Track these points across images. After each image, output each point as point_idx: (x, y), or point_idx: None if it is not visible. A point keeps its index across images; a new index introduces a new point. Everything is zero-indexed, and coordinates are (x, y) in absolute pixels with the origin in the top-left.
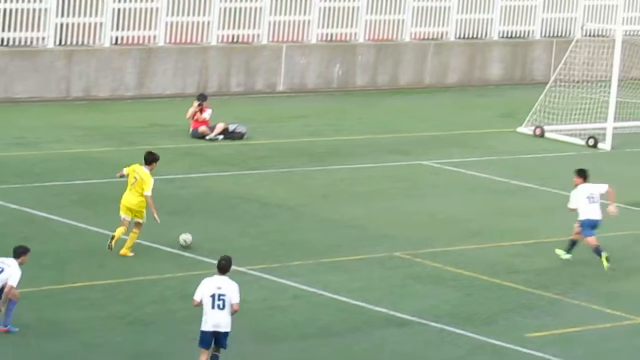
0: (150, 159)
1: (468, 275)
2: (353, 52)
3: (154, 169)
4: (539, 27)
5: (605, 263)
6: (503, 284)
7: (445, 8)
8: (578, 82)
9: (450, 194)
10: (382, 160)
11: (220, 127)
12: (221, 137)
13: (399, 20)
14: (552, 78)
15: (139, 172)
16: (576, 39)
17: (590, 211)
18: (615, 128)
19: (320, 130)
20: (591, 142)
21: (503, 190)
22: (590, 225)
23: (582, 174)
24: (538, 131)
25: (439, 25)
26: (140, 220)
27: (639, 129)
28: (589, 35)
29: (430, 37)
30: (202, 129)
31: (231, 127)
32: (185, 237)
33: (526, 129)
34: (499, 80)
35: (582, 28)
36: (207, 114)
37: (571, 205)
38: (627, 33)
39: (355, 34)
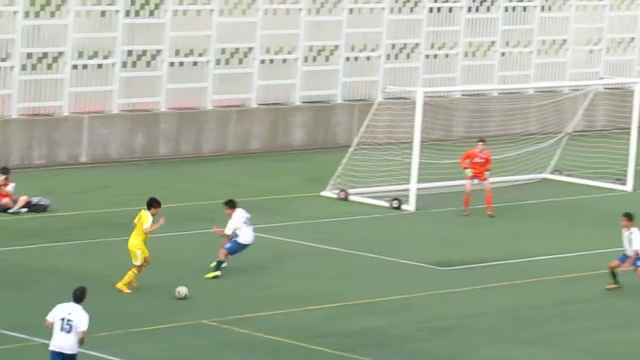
0: (148, 203)
1: (277, 340)
2: (156, 121)
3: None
4: (340, 91)
5: (211, 275)
6: (311, 347)
7: (246, 75)
8: (381, 144)
9: (256, 259)
10: (187, 228)
11: (23, 200)
12: (24, 210)
13: (200, 88)
14: (355, 141)
15: (141, 214)
16: (378, 102)
17: (247, 234)
18: (418, 189)
19: (125, 200)
20: (395, 203)
21: (309, 255)
22: (244, 247)
23: (232, 204)
24: (342, 194)
25: (240, 92)
26: (135, 262)
27: (442, 190)
28: (391, 98)
29: (233, 104)
30: (5, 201)
31: (34, 200)
32: (180, 289)
33: (330, 193)
34: (302, 145)
35: (383, 91)
36: (10, 187)
37: (228, 231)
38: (428, 95)
39: (158, 102)
